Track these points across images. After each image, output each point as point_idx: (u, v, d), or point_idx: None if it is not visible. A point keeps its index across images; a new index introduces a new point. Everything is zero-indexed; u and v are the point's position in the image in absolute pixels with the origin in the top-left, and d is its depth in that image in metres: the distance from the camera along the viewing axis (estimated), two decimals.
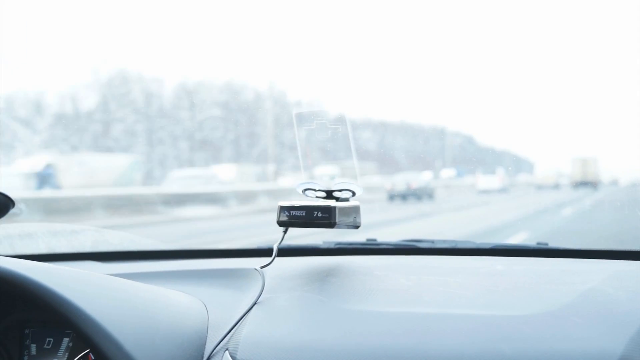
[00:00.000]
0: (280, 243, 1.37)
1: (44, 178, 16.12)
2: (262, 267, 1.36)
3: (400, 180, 17.54)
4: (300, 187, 1.38)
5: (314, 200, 1.35)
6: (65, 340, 1.33)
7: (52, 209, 11.80)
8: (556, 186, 22.95)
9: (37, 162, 16.83)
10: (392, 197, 17.04)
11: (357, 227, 1.36)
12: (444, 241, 1.76)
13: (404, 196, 17.22)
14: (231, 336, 1.17)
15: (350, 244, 1.76)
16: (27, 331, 1.36)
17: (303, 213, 1.30)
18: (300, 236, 1.74)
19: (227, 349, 1.14)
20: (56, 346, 1.33)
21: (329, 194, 1.35)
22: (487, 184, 20.79)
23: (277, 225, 1.34)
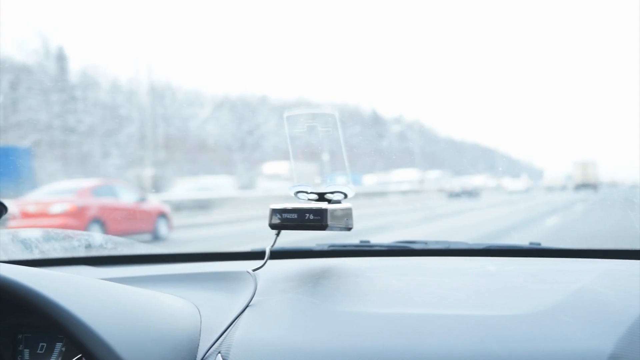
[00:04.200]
0: (272, 246, 1.37)
1: None
2: (254, 270, 1.36)
3: (457, 183, 23.17)
4: (292, 190, 1.38)
5: (306, 202, 1.35)
6: (58, 345, 1.33)
7: None
8: (563, 188, 24.90)
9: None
10: (451, 195, 22.66)
11: (349, 229, 1.36)
12: (437, 242, 1.76)
13: (459, 195, 22.53)
14: (224, 339, 1.17)
15: (344, 245, 1.76)
16: (20, 336, 1.36)
17: (295, 216, 1.30)
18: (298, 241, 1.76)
19: (219, 352, 1.14)
20: (49, 351, 1.33)
21: (321, 197, 1.35)
22: (514, 186, 25.13)
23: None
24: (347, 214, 1.35)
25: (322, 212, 1.28)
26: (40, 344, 1.34)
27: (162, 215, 12.99)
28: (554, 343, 1.01)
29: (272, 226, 1.33)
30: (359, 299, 1.25)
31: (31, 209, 11.81)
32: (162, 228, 12.84)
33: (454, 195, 22.75)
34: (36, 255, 1.89)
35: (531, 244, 1.67)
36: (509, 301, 1.17)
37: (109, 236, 2.14)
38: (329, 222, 1.28)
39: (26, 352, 1.34)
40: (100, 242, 2.15)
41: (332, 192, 1.35)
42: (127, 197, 12.93)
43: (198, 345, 1.19)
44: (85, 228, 11.30)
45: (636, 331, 1.03)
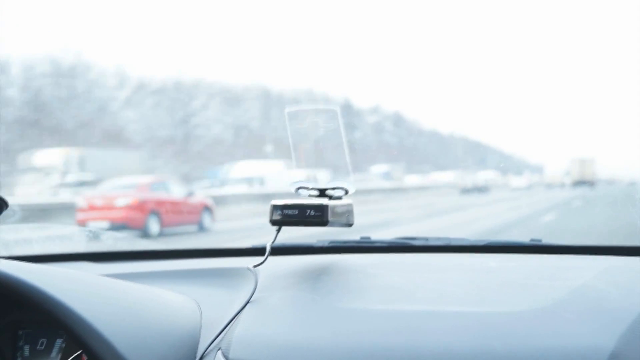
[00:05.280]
0: (273, 242, 1.37)
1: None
2: (255, 266, 1.36)
3: (469, 180, 24.60)
4: (293, 186, 1.38)
5: (307, 198, 1.35)
6: (59, 341, 1.33)
7: None
8: (562, 185, 26.19)
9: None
10: (463, 191, 23.92)
11: (350, 225, 1.36)
12: (438, 238, 1.75)
13: (470, 191, 23.77)
14: (224, 335, 1.17)
15: (344, 242, 1.76)
16: (20, 332, 1.36)
17: (296, 212, 1.30)
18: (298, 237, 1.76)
19: (219, 348, 1.14)
20: (49, 347, 1.33)
21: (322, 193, 1.35)
22: (518, 183, 26.47)
23: None
24: (348, 210, 1.35)
25: (323, 208, 1.28)
26: (41, 340, 1.34)
27: (207, 208, 14.29)
28: (555, 340, 1.01)
29: (273, 222, 1.33)
30: (360, 296, 1.25)
31: (98, 202, 13.28)
32: (207, 220, 14.12)
33: (465, 191, 24.00)
34: (37, 251, 1.89)
35: (532, 240, 1.67)
36: (510, 298, 1.17)
37: (110, 232, 2.14)
38: (330, 218, 1.28)
39: (26, 348, 1.34)
40: (101, 238, 2.15)
41: (333, 188, 1.34)
42: (177, 192, 14.47)
43: (198, 341, 1.19)
44: (145, 220, 12.87)
45: (637, 328, 1.03)
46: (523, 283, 1.26)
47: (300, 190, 1.37)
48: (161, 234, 12.90)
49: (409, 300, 1.20)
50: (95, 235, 2.18)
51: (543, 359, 0.97)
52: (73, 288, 1.10)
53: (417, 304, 1.18)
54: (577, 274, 1.28)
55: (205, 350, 1.16)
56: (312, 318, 1.17)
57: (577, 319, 1.06)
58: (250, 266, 1.36)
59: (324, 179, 1.36)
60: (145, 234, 12.76)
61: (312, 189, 1.36)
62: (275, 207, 1.32)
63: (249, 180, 21.62)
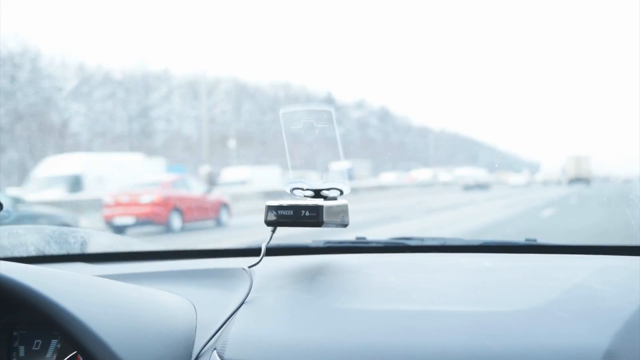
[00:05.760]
0: (268, 242, 1.37)
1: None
2: (250, 267, 1.36)
3: (471, 177, 25.95)
4: (288, 187, 1.38)
5: (302, 199, 1.35)
6: (54, 342, 1.33)
7: None
8: (559, 182, 26.33)
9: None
10: (466, 188, 25.18)
11: (345, 225, 1.36)
12: (433, 238, 1.76)
13: (472, 188, 25.17)
14: (219, 336, 1.17)
15: (340, 242, 1.76)
16: (15, 333, 1.36)
17: (291, 212, 1.30)
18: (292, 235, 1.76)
19: (215, 349, 1.14)
20: (44, 348, 1.33)
21: (317, 193, 1.35)
22: (516, 181, 27.39)
23: None
24: (343, 210, 1.35)
25: (317, 209, 1.28)
26: (36, 340, 1.34)
27: (224, 205, 15.09)
28: (550, 339, 1.01)
29: (268, 223, 1.33)
30: (355, 296, 1.25)
31: (124, 199, 13.92)
32: (224, 216, 14.98)
33: (468, 187, 25.27)
34: (32, 252, 1.89)
35: (527, 240, 1.67)
36: (505, 297, 1.17)
37: (105, 232, 2.14)
38: (325, 219, 1.28)
39: (21, 348, 1.34)
40: (96, 239, 2.14)
41: (328, 189, 1.35)
42: (197, 189, 15.25)
43: (194, 342, 1.19)
44: (168, 216, 13.53)
45: (632, 327, 1.03)
46: (518, 283, 1.26)
47: (295, 191, 1.38)
48: (183, 229, 13.46)
49: (405, 300, 1.21)
50: (89, 236, 2.17)
51: (538, 358, 0.97)
52: (68, 289, 1.10)
53: (412, 304, 1.18)
54: (572, 273, 1.28)
55: (201, 351, 1.16)
56: (307, 318, 1.17)
57: (572, 319, 1.06)
58: (246, 266, 1.37)
59: (318, 179, 1.36)
60: (168, 229, 13.32)
61: (307, 189, 1.36)
62: (270, 208, 1.32)
63: (57, 181, 18.07)
